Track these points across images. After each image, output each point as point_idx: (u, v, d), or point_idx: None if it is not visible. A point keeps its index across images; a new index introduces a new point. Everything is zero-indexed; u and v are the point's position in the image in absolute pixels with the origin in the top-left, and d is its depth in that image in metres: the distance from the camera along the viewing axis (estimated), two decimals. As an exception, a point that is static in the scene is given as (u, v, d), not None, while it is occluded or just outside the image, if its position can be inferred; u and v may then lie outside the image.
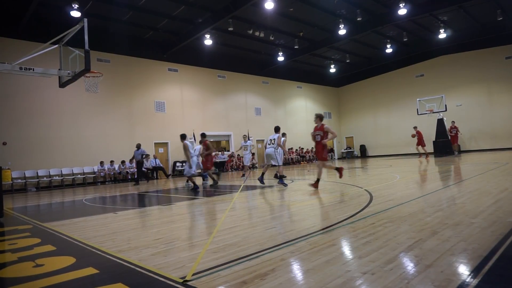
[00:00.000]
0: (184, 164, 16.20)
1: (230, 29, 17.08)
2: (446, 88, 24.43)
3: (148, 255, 3.24)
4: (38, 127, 15.04)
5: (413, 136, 17.65)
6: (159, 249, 3.44)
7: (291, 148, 25.44)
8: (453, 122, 19.68)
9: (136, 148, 14.47)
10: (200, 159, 10.97)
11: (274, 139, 9.61)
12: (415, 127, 17.87)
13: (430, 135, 24.09)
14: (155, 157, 18.24)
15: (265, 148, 9.97)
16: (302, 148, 26.04)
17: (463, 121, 23.65)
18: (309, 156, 25.98)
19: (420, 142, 17.36)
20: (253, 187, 9.56)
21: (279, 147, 9.73)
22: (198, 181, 11.40)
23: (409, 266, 2.49)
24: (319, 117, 7.87)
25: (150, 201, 8.57)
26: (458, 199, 5.14)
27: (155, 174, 18.03)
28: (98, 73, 10.23)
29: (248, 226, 4.24)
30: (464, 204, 4.70)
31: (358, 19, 17.42)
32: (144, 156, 14.78)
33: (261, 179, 9.53)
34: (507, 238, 2.94)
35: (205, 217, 5.47)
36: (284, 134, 12.32)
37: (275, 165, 9.80)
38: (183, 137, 10.40)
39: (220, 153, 21.40)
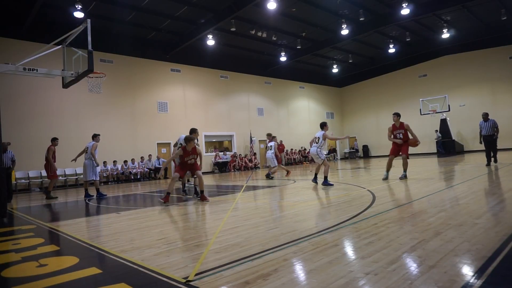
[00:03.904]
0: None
1: (233, 29, 17.10)
2: (450, 88, 24.33)
3: (151, 255, 3.24)
4: (41, 128, 15.11)
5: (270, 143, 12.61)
6: (162, 249, 3.45)
7: (292, 149, 25.43)
8: (395, 115, 8.90)
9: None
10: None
11: (271, 145, 12.25)
12: (271, 136, 12.90)
13: (433, 136, 24.04)
14: (158, 158, 18.30)
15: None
16: (305, 149, 26.01)
17: (466, 121, 23.54)
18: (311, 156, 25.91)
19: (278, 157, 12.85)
20: (256, 188, 9.56)
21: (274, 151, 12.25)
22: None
23: (412, 266, 2.48)
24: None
25: (152, 202, 8.58)
26: (461, 200, 5.12)
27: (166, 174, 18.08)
28: (101, 73, 10.26)
29: (250, 226, 4.24)
30: (468, 204, 4.68)
31: (361, 19, 17.37)
32: (13, 162, 10.28)
33: (268, 175, 12.09)
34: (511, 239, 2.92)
35: (208, 217, 5.47)
36: (273, 138, 12.68)
37: (272, 166, 12.37)
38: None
39: (222, 153, 21.43)
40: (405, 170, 8.77)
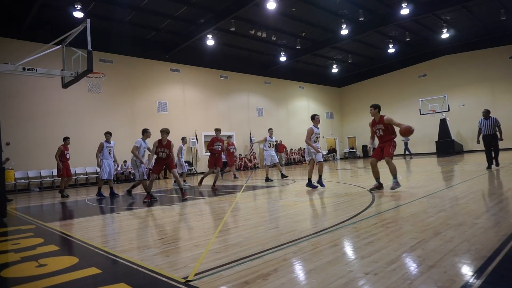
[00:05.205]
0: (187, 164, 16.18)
1: (232, 29, 17.09)
2: (449, 88, 24.35)
3: (151, 255, 3.24)
4: (41, 128, 15.10)
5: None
6: (162, 249, 3.45)
7: (292, 149, 25.43)
8: (372, 107, 7.41)
9: None
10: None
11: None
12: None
13: (432, 136, 24.05)
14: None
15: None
16: (304, 148, 26.01)
17: (466, 121, 23.55)
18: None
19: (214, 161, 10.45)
20: (255, 187, 9.56)
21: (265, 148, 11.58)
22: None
23: (412, 266, 2.48)
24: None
25: (152, 201, 8.56)
26: (461, 200, 5.12)
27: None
28: (100, 73, 10.27)
29: (250, 226, 4.24)
30: (468, 204, 4.68)
31: (361, 19, 17.38)
32: None
33: (267, 179, 11.20)
34: (511, 239, 2.92)
35: (208, 217, 5.47)
36: (269, 130, 11.92)
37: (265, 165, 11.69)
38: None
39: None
40: (395, 177, 6.55)
